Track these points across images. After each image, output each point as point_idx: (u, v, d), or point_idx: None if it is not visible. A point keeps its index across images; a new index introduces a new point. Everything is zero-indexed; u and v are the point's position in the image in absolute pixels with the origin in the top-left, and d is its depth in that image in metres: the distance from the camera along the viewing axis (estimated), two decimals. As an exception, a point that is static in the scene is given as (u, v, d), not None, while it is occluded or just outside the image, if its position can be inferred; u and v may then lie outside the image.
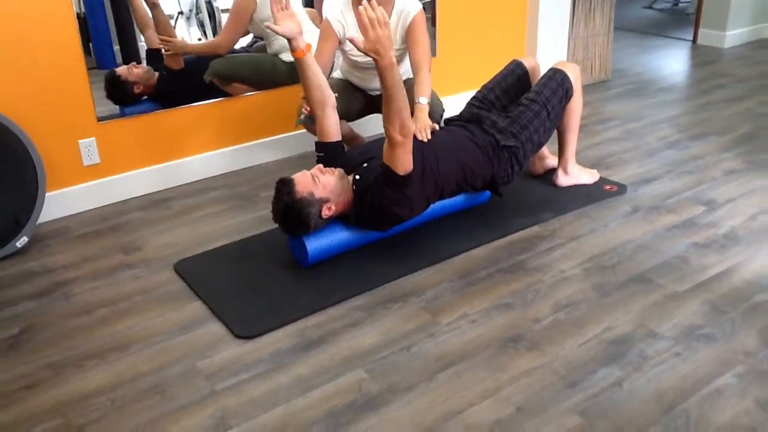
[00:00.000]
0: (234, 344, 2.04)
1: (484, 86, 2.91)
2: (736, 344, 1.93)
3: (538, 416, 1.70)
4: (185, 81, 3.23)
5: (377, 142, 2.62)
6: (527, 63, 2.92)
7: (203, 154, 3.22)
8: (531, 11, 4.04)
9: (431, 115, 2.69)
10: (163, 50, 3.07)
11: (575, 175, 2.95)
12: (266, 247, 2.57)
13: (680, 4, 7.07)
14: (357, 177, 2.42)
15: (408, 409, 1.75)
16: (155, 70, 3.10)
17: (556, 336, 2.00)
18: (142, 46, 3.11)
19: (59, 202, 2.87)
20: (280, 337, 2.07)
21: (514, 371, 1.86)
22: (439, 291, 2.25)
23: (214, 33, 3.48)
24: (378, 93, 3.05)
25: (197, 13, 3.45)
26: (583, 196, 2.87)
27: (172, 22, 3.33)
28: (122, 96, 3.03)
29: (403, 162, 2.25)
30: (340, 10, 2.80)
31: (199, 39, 3.43)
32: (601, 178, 3.01)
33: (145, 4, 3.00)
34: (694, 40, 5.51)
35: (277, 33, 2.34)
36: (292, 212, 2.27)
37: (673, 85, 4.45)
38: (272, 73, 3.38)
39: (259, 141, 3.37)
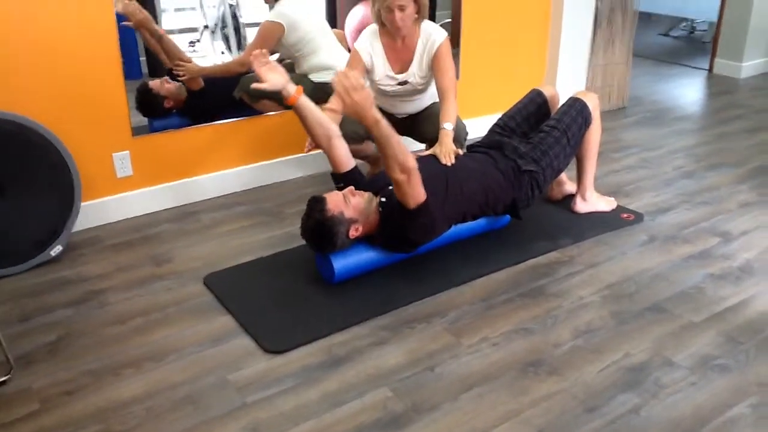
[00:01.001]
0: (263, 358, 2.12)
1: (505, 114, 2.99)
2: (751, 375, 2.00)
3: (559, 439, 1.77)
4: (213, 98, 3.32)
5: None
6: (547, 92, 3.01)
7: (230, 170, 3.32)
8: (552, 38, 4.13)
9: (456, 138, 2.78)
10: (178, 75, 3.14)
11: (593, 202, 3.03)
12: (293, 264, 2.65)
13: (696, 32, 7.15)
14: (383, 199, 2.50)
15: (432, 429, 1.82)
16: None
17: (575, 361, 2.07)
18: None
19: (92, 212, 2.96)
20: (307, 352, 2.14)
21: (535, 395, 1.94)
22: (461, 313, 2.33)
23: (239, 47, 3.58)
24: (405, 116, 3.14)
25: (223, 27, 3.56)
26: (601, 223, 2.94)
27: (197, 35, 3.43)
28: (152, 108, 3.13)
29: (414, 195, 2.34)
30: (369, 40, 2.89)
31: (222, 53, 3.53)
32: (618, 206, 3.09)
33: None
34: (710, 70, 5.59)
35: (266, 90, 2.42)
36: (322, 229, 2.36)
37: (689, 114, 4.53)
38: (300, 91, 3.48)
39: (283, 158, 3.46)
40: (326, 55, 3.45)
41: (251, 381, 2.02)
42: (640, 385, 1.97)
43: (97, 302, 2.44)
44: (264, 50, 2.47)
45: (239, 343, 2.20)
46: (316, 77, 3.46)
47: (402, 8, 2.72)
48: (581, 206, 3.02)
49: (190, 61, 3.20)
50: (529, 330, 2.23)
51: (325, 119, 2.55)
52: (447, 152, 2.67)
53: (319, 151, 2.79)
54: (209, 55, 3.52)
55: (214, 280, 2.55)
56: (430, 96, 3.10)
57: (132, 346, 2.19)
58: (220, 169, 3.29)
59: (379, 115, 2.20)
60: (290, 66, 3.48)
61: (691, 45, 6.74)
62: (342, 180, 2.58)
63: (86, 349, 2.18)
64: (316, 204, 2.38)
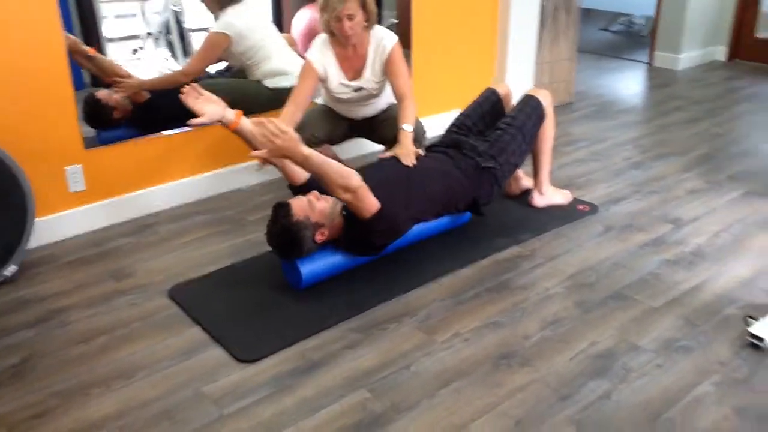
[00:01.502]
0: (237, 368, 2.10)
1: (462, 113, 3.04)
2: (711, 355, 2.08)
3: (536, 428, 1.81)
4: (162, 108, 3.25)
5: (364, 169, 2.72)
6: (501, 90, 3.07)
7: (186, 179, 3.27)
8: (501, 37, 4.20)
9: (415, 139, 2.81)
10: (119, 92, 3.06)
11: (550, 195, 3.10)
12: (258, 271, 2.64)
13: (634, 27, 7.37)
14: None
15: (413, 426, 1.84)
16: None
17: (545, 352, 2.12)
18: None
19: (46, 229, 2.88)
20: (281, 359, 2.14)
21: (510, 386, 1.98)
22: (431, 310, 2.36)
23: (185, 54, 3.54)
24: (361, 118, 3.15)
25: (167, 34, 3.51)
26: (559, 216, 3.01)
27: (140, 43, 3.36)
28: (100, 120, 3.06)
29: (366, 208, 2.37)
30: (320, 50, 2.88)
31: (167, 59, 3.48)
32: (573, 198, 3.17)
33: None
34: (650, 62, 5.78)
35: (204, 123, 2.41)
36: (289, 235, 2.35)
37: (632, 106, 4.67)
38: (255, 98, 3.44)
39: (240, 166, 3.43)
40: (279, 61, 3.44)
41: (227, 392, 2.00)
42: (608, 370, 2.03)
43: (58, 321, 2.38)
44: (194, 84, 2.43)
45: (211, 354, 2.17)
46: (271, 83, 3.44)
47: (351, 17, 2.72)
48: (539, 200, 3.09)
49: (129, 76, 3.11)
50: (498, 324, 2.27)
51: None
52: (408, 153, 2.69)
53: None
54: (153, 62, 3.47)
55: (178, 293, 2.52)
56: (386, 98, 3.12)
57: (99, 364, 2.14)
58: (175, 179, 3.24)
59: (307, 151, 2.23)
60: (242, 72, 3.46)
61: (630, 39, 6.94)
62: (300, 191, 2.55)
63: (52, 370, 2.12)
64: (281, 210, 2.37)
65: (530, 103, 2.87)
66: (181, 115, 3.28)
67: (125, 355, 2.18)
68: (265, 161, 2.46)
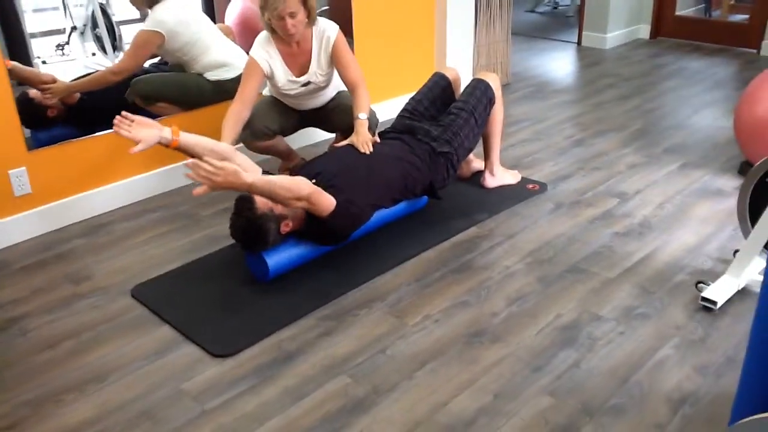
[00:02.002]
0: (213, 363, 2.10)
1: (412, 98, 3.08)
2: (668, 320, 2.21)
3: (514, 400, 1.89)
4: (97, 105, 3.14)
5: (321, 159, 2.74)
6: (449, 74, 3.12)
7: (135, 177, 3.20)
8: (439, 22, 4.25)
9: (369, 127, 2.84)
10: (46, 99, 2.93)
11: (500, 176, 3.19)
12: (221, 266, 2.62)
13: (560, 8, 7.58)
14: (309, 192, 2.52)
15: (396, 407, 1.88)
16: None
17: (513, 327, 2.20)
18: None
19: (-8, 236, 2.78)
20: (257, 352, 2.14)
21: (484, 363, 2.05)
22: (399, 295, 2.40)
23: (115, 48, 3.44)
24: (311, 109, 3.15)
25: (93, 28, 3.40)
26: (510, 195, 3.10)
27: (65, 37, 3.24)
28: (35, 120, 2.94)
29: (322, 208, 2.40)
30: (264, 48, 2.85)
31: (94, 54, 3.37)
32: (522, 177, 3.27)
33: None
34: (579, 42, 5.97)
35: (143, 149, 2.37)
36: (253, 228, 2.34)
37: (567, 86, 4.83)
38: (197, 92, 3.39)
39: (190, 160, 3.36)
40: (217, 53, 3.38)
41: (206, 387, 2.00)
42: (575, 341, 2.13)
43: (18, 329, 2.31)
44: (123, 113, 2.37)
45: (184, 351, 2.16)
46: (212, 76, 3.39)
47: (293, 15, 2.70)
48: (490, 181, 3.17)
49: (55, 81, 2.98)
50: (466, 303, 2.34)
51: (216, 145, 2.53)
52: (364, 141, 2.72)
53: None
54: (79, 57, 3.36)
55: (142, 292, 2.48)
56: (334, 87, 3.13)
57: (68, 369, 2.10)
58: (124, 178, 3.16)
59: (250, 179, 2.22)
60: (181, 66, 3.38)
61: (557, 20, 7.14)
62: None
63: (17, 380, 2.06)
64: (245, 203, 2.36)
65: (480, 86, 2.93)
66: (117, 112, 3.22)
67: (95, 359, 2.14)
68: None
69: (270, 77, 2.91)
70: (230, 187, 2.21)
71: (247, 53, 3.43)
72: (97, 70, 3.18)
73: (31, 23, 2.94)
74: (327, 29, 2.88)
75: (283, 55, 2.87)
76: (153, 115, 3.24)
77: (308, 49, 2.89)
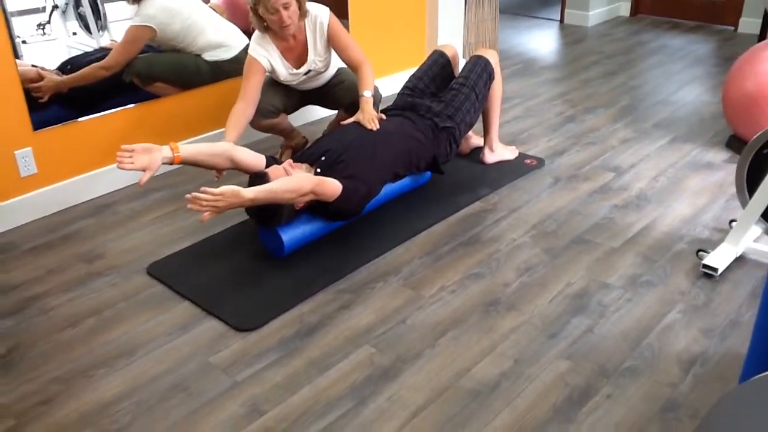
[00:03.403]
0: (238, 337, 2.15)
1: (413, 76, 3.13)
2: (672, 286, 2.32)
3: (534, 365, 1.98)
4: (86, 90, 3.11)
5: (327, 137, 2.78)
6: (448, 52, 3.18)
7: (138, 156, 3.20)
8: (431, 1, 4.29)
9: (373, 103, 2.88)
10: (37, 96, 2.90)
11: (499, 152, 3.27)
12: (234, 242, 2.66)
13: (539, -14, 7.63)
14: (318, 170, 2.57)
15: (422, 374, 1.96)
16: (62, 72, 2.98)
17: (526, 296, 2.29)
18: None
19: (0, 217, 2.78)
20: (280, 325, 2.20)
21: (502, 330, 2.13)
22: (413, 268, 2.47)
23: (100, 28, 3.41)
24: (313, 88, 3.18)
25: (77, 7, 3.37)
26: (510, 171, 3.18)
27: (46, 16, 3.20)
28: (29, 105, 2.92)
29: (329, 195, 2.45)
30: (262, 45, 2.86)
31: (75, 33, 3.34)
32: (520, 153, 3.35)
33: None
34: (562, 20, 6.05)
35: (153, 174, 2.35)
36: (269, 204, 2.38)
37: (554, 63, 4.91)
38: (195, 72, 3.39)
39: (191, 139, 3.39)
40: (213, 33, 3.38)
41: (234, 360, 2.05)
42: (586, 308, 2.22)
43: (37, 308, 2.33)
44: (122, 146, 2.31)
45: (208, 326, 2.20)
46: (210, 56, 3.40)
47: (286, 6, 2.70)
48: (489, 157, 3.24)
49: (42, 78, 2.94)
50: (478, 274, 2.42)
51: (215, 147, 2.52)
52: (370, 118, 2.76)
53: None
54: (61, 37, 3.33)
55: (158, 269, 2.51)
56: (334, 65, 3.16)
57: (95, 346, 2.13)
58: (127, 157, 3.17)
59: (251, 194, 2.24)
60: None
61: (537, -2, 7.20)
62: (265, 176, 2.53)
63: (44, 358, 2.09)
64: (260, 180, 2.40)
65: (479, 63, 2.99)
66: (114, 92, 3.19)
67: (120, 335, 2.18)
68: (221, 173, 2.59)
69: (271, 72, 2.92)
70: (234, 207, 2.24)
71: (242, 31, 3.46)
72: (87, 56, 3.14)
73: (10, 1, 2.91)
74: (319, 15, 2.89)
75: (281, 50, 2.89)
76: (151, 95, 3.24)
77: (303, 39, 2.91)
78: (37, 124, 2.86)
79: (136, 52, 3.20)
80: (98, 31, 3.32)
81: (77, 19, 3.33)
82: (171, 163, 2.40)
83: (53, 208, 2.94)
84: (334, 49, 2.96)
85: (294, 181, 2.37)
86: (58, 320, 2.26)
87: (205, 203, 2.17)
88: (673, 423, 1.75)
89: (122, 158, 2.29)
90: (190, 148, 2.46)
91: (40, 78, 2.91)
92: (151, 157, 2.34)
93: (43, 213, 2.92)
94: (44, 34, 3.20)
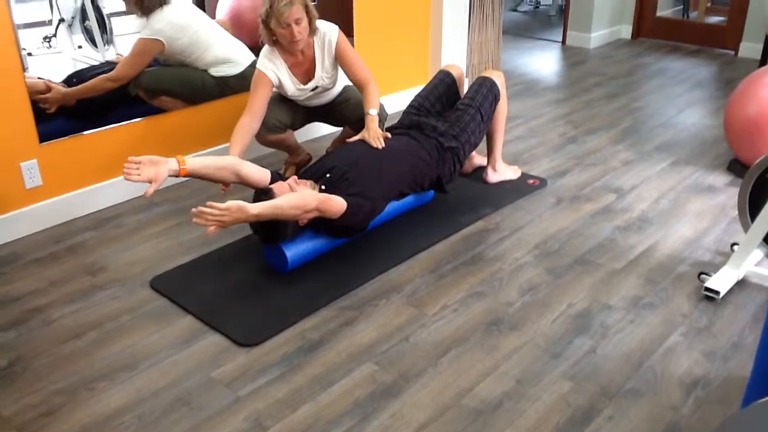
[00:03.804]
0: (240, 352, 2.15)
1: (418, 95, 3.16)
2: (674, 308, 2.32)
3: (536, 385, 1.98)
4: (93, 103, 3.13)
5: (333, 154, 2.80)
6: (454, 72, 3.21)
7: (143, 170, 3.22)
8: (434, 21, 4.33)
9: (378, 121, 2.90)
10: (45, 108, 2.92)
11: (502, 171, 3.29)
12: (237, 258, 2.67)
13: (541, 7, 7.72)
14: (323, 187, 2.58)
15: (425, 392, 1.96)
16: (68, 85, 3.00)
17: (529, 316, 2.30)
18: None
19: (3, 228, 2.78)
20: (282, 341, 2.20)
21: (505, 350, 2.13)
22: (415, 286, 2.48)
23: (105, 42, 3.44)
24: (319, 105, 3.21)
25: (83, 21, 3.40)
26: (513, 190, 3.20)
27: (52, 29, 3.23)
28: (35, 116, 2.93)
29: (334, 212, 2.46)
30: (270, 59, 2.89)
31: (80, 47, 3.36)
32: (522, 173, 3.37)
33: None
34: (563, 42, 6.11)
35: (157, 188, 2.35)
36: (273, 221, 2.39)
37: (556, 84, 4.95)
38: (201, 87, 3.42)
39: (196, 153, 3.40)
40: (220, 49, 3.41)
41: (236, 375, 2.05)
42: (589, 328, 2.23)
43: (40, 320, 2.33)
44: (129, 160, 2.31)
45: (211, 341, 2.21)
46: (216, 72, 3.42)
47: (298, 21, 2.73)
48: (492, 176, 3.26)
49: (50, 89, 2.96)
50: (481, 293, 2.43)
51: (221, 161, 2.53)
52: (376, 136, 2.78)
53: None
54: (66, 50, 3.35)
55: (161, 283, 2.51)
56: (341, 83, 3.18)
57: (96, 359, 2.13)
58: (132, 171, 3.18)
59: (256, 210, 2.25)
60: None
61: (538, 19, 7.28)
62: (270, 192, 2.49)
63: (47, 370, 2.09)
64: (265, 196, 2.41)
65: (486, 83, 3.02)
66: (120, 105, 3.21)
67: (122, 348, 2.18)
68: (228, 186, 2.60)
69: (278, 87, 2.95)
70: (239, 222, 2.25)
71: (248, 48, 3.49)
72: (93, 70, 3.16)
73: (17, 14, 2.93)
74: (327, 33, 2.92)
75: (289, 65, 2.92)
76: (157, 110, 3.26)
77: (312, 56, 2.94)
78: (43, 137, 2.88)
79: (144, 65, 3.23)
80: (104, 44, 3.35)
81: (83, 33, 3.36)
82: (177, 176, 2.41)
83: (57, 220, 2.95)
84: (341, 66, 2.99)
85: (299, 197, 2.38)
86: (61, 332, 2.27)
87: (210, 217, 2.18)
88: (675, 446, 1.76)
89: (129, 170, 2.30)
90: (197, 161, 2.47)
91: (48, 90, 2.93)
92: (158, 170, 2.34)
93: (47, 225, 2.93)
94: (50, 47, 3.23)
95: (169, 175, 2.39)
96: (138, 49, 3.17)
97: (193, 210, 2.19)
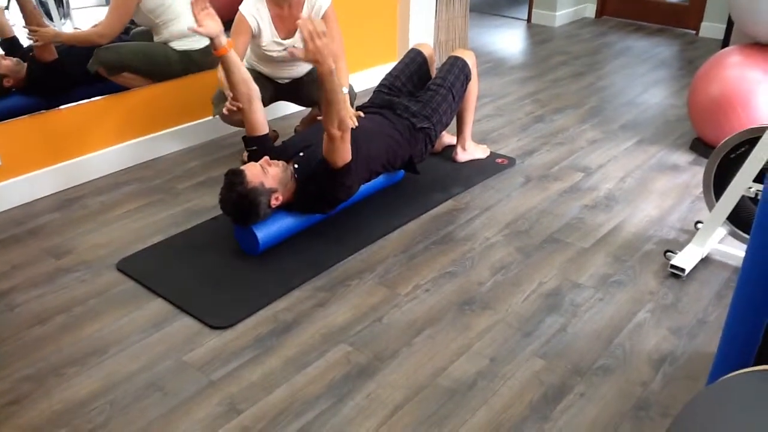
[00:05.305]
0: (212, 335, 2.13)
1: (390, 74, 3.13)
2: (641, 286, 2.37)
3: (509, 363, 2.01)
4: (62, 72, 3.08)
5: (305, 132, 2.77)
6: (425, 51, 3.19)
7: (106, 149, 3.15)
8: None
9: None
10: (32, 41, 2.90)
11: (471, 151, 3.29)
12: (206, 239, 2.63)
13: (506, -16, 7.70)
14: (296, 166, 2.56)
15: (399, 372, 1.97)
16: (23, 60, 2.91)
17: (500, 295, 2.32)
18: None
19: (-39, 210, 2.70)
20: (255, 323, 2.19)
21: (477, 329, 2.15)
22: (387, 266, 2.48)
23: (62, 16, 3.33)
24: (286, 81, 3.16)
25: None
26: (482, 170, 3.21)
27: (4, 2, 3.12)
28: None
29: (342, 154, 2.43)
30: (255, 5, 2.87)
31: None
32: (491, 152, 3.38)
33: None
34: (529, 20, 6.12)
35: (201, 34, 2.39)
36: (245, 202, 2.37)
37: (523, 63, 4.96)
38: (165, 62, 3.34)
39: (161, 132, 3.34)
40: (188, 21, 3.33)
41: (209, 359, 2.03)
42: (559, 307, 2.26)
43: (3, 305, 2.27)
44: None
45: (182, 323, 2.18)
46: (179, 45, 3.34)
47: None
48: (462, 156, 3.27)
49: (45, 25, 2.91)
50: (452, 273, 2.44)
51: (251, 79, 2.57)
52: (350, 116, 2.75)
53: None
54: (19, 23, 3.24)
55: (129, 265, 2.47)
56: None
57: (65, 344, 2.09)
58: (95, 150, 3.11)
59: (333, 66, 2.23)
60: (142, 34, 3.30)
61: (504, -4, 7.27)
62: (255, 143, 2.59)
63: (13, 356, 2.04)
64: (236, 177, 2.38)
65: (457, 63, 3.01)
66: (81, 82, 3.13)
67: (91, 333, 2.14)
68: (231, 112, 2.57)
69: (256, 36, 2.91)
70: (321, 59, 2.16)
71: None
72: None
73: None
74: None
75: (273, 16, 2.90)
76: (117, 87, 3.18)
77: (298, 14, 2.93)
78: (3, 116, 2.78)
79: (129, 15, 3.15)
80: (60, 18, 3.24)
81: (38, 6, 3.25)
82: (215, 50, 2.44)
83: (17, 201, 2.87)
84: None
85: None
86: (27, 317, 2.21)
87: (311, 27, 2.11)
88: (645, 421, 1.80)
89: (199, 4, 2.37)
90: (236, 60, 2.51)
91: (44, 25, 2.89)
92: (212, 25, 2.38)
93: (7, 206, 2.84)
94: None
95: (213, 40, 2.40)
96: None
97: (301, 20, 2.12)
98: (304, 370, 1.98)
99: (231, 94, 2.61)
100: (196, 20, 2.39)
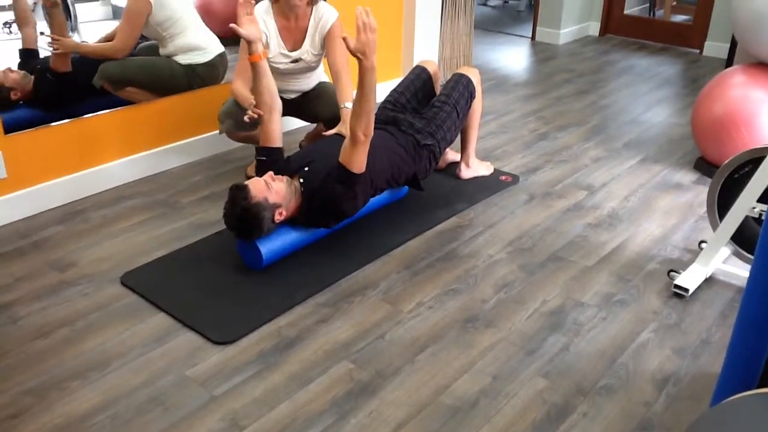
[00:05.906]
0: (215, 350, 2.13)
1: (395, 90, 3.15)
2: (645, 306, 2.37)
3: (512, 382, 2.00)
4: (68, 85, 3.10)
5: (310, 148, 2.78)
6: (430, 68, 3.20)
7: (111, 163, 3.16)
8: (407, 15, 4.32)
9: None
10: (51, 49, 2.93)
11: (475, 168, 3.30)
12: (210, 253, 2.63)
13: (510, 2, 7.76)
14: (302, 180, 2.56)
15: (402, 390, 1.96)
16: (30, 73, 2.94)
17: (504, 313, 2.32)
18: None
19: (-34, 222, 2.71)
20: (258, 338, 2.18)
21: (480, 347, 2.15)
22: (391, 282, 2.48)
23: (72, 29, 3.36)
24: (293, 97, 3.18)
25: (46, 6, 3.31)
26: (486, 186, 3.22)
27: (13, 15, 3.14)
28: (-3, 101, 2.88)
29: (360, 160, 2.46)
30: (263, 18, 2.90)
31: (42, 33, 3.28)
32: (495, 169, 3.39)
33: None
34: (533, 37, 6.15)
35: (241, 35, 2.45)
36: (249, 217, 2.37)
37: (527, 80, 4.98)
38: (169, 77, 3.36)
39: (165, 147, 3.35)
40: (194, 35, 3.36)
41: (211, 374, 2.03)
42: (562, 326, 2.25)
43: (6, 318, 2.27)
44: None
45: (184, 338, 2.18)
46: (184, 59, 3.36)
47: None
48: (465, 173, 3.27)
49: (67, 36, 2.96)
50: (456, 290, 2.44)
51: (276, 91, 2.61)
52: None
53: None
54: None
55: (132, 279, 2.47)
56: (318, 75, 3.17)
57: (67, 358, 2.09)
58: (100, 164, 3.12)
59: (376, 64, 2.30)
60: (148, 48, 3.32)
61: (507, 14, 7.31)
62: (267, 154, 2.60)
63: (14, 369, 2.04)
64: (240, 192, 2.38)
65: (462, 81, 3.03)
66: (87, 97, 3.14)
67: (93, 346, 2.14)
68: (257, 114, 2.60)
69: (264, 47, 2.92)
70: (367, 52, 2.28)
71: (218, 37, 3.44)
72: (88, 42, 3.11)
73: None
74: (326, 12, 2.97)
75: (280, 27, 2.94)
76: (121, 102, 3.19)
77: (304, 26, 2.95)
78: (9, 128, 2.80)
79: (141, 28, 3.18)
80: (69, 32, 3.27)
81: (46, 19, 3.27)
82: (250, 54, 2.50)
83: (22, 214, 2.88)
84: (327, 49, 2.99)
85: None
86: (29, 330, 2.21)
87: (365, 18, 2.27)
88: (648, 442, 1.79)
89: (245, 7, 2.44)
90: (267, 70, 2.57)
91: (66, 35, 2.96)
92: (253, 30, 2.46)
93: (11, 219, 2.85)
94: (10, 32, 3.14)
95: (249, 41, 2.46)
96: (130, 12, 3.13)
97: (358, 11, 2.24)
98: (306, 387, 1.98)
99: (254, 102, 2.63)
100: (239, 21, 2.46)
